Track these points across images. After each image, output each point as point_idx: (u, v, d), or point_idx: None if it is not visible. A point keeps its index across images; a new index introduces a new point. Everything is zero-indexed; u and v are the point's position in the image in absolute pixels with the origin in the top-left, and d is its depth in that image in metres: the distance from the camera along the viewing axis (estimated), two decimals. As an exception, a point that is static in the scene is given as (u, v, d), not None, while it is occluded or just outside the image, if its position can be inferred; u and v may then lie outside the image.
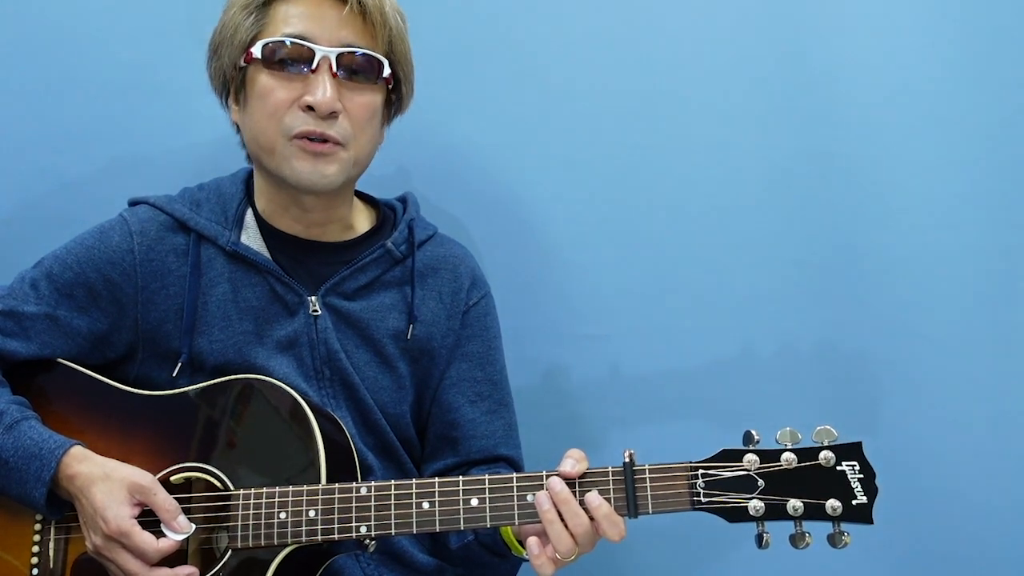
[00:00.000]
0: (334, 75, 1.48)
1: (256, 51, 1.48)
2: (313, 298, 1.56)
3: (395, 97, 1.59)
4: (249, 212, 1.60)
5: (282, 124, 1.48)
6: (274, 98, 1.48)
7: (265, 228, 1.59)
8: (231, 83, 1.55)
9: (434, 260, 1.65)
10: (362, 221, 1.66)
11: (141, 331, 1.54)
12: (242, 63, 1.51)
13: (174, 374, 1.53)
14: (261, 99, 1.49)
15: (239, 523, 1.39)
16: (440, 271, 1.65)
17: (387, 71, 1.53)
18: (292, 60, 1.48)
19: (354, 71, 1.50)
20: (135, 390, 1.52)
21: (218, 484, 1.43)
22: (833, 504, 1.30)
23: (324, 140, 1.48)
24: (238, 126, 1.59)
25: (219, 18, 1.55)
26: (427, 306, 1.63)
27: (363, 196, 1.70)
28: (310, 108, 1.47)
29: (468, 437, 1.64)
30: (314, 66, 1.47)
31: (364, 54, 1.50)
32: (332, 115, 1.48)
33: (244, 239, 1.57)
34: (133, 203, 1.61)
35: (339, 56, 1.48)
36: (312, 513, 1.38)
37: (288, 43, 1.47)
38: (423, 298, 1.63)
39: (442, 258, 1.66)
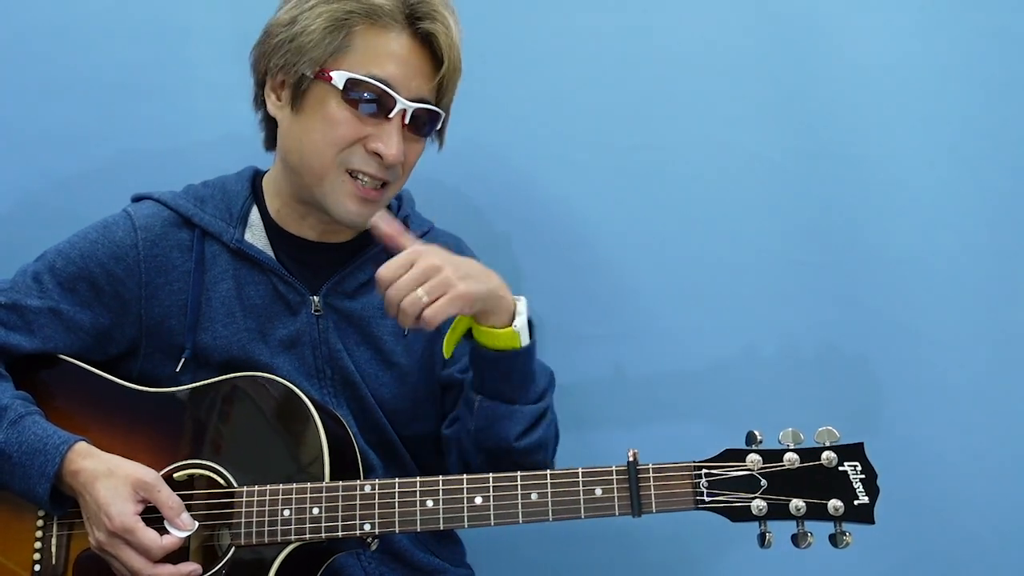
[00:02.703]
0: (404, 125, 1.48)
1: (338, 80, 1.45)
2: (315, 298, 1.57)
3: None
4: (254, 211, 1.60)
5: (341, 156, 1.48)
6: (341, 131, 1.47)
7: (271, 227, 1.59)
8: (285, 83, 1.50)
9: None
10: None
11: (144, 326, 1.54)
12: (311, 76, 1.47)
13: (177, 370, 1.53)
14: (326, 123, 1.47)
15: (242, 520, 1.39)
16: None
17: (440, 124, 1.55)
18: (371, 102, 1.46)
19: (420, 125, 1.51)
20: (138, 387, 1.52)
21: (221, 481, 1.43)
22: (835, 504, 1.31)
23: (377, 186, 1.50)
24: (272, 119, 1.56)
25: (287, 6, 1.49)
26: None
27: None
28: (377, 154, 1.47)
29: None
30: (391, 115, 1.46)
31: (432, 111, 1.51)
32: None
33: (248, 237, 1.57)
34: (137, 198, 1.61)
35: (414, 111, 1.47)
36: (316, 510, 1.38)
37: (375, 85, 1.45)
38: None
39: None
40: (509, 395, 1.49)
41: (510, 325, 1.45)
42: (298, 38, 1.47)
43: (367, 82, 1.45)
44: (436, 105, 1.52)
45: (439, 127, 1.56)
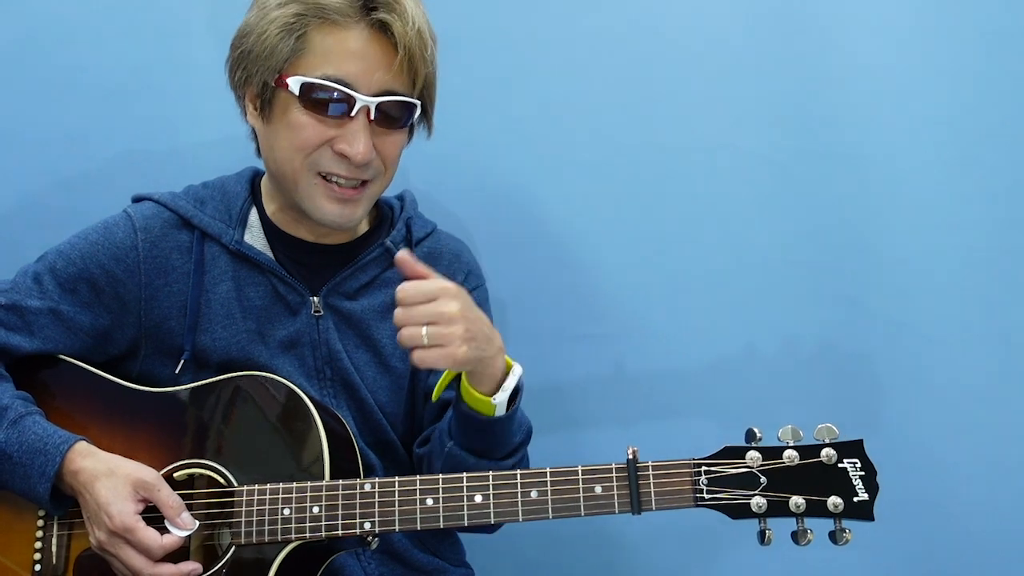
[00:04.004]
0: (370, 121, 1.45)
1: (293, 85, 1.43)
2: (315, 299, 1.57)
3: (419, 121, 1.57)
4: (253, 212, 1.60)
5: (310, 160, 1.47)
6: (305, 135, 1.45)
7: (269, 229, 1.59)
8: (255, 93, 1.50)
9: (431, 257, 1.66)
10: (363, 221, 1.66)
11: (144, 327, 1.54)
12: (272, 84, 1.46)
13: (177, 371, 1.53)
14: (291, 130, 1.46)
15: (242, 519, 1.40)
16: (436, 268, 1.63)
17: (418, 112, 1.52)
18: (330, 103, 1.44)
19: (390, 118, 1.48)
20: (139, 386, 1.52)
21: (221, 480, 1.43)
22: (835, 501, 1.31)
23: (354, 185, 1.48)
24: (253, 129, 1.57)
25: (248, 17, 1.49)
26: None
27: None
28: (344, 155, 1.46)
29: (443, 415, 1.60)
30: (352, 113, 1.44)
31: (401, 102, 1.47)
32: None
33: (247, 238, 1.58)
34: (137, 199, 1.61)
35: (379, 105, 1.45)
36: (316, 509, 1.38)
37: (328, 86, 1.43)
38: None
39: (439, 254, 1.67)
40: (480, 449, 1.47)
41: (494, 393, 1.42)
42: (256, 48, 1.46)
43: (322, 84, 1.43)
44: (410, 94, 1.49)
45: (419, 115, 1.53)
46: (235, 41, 1.51)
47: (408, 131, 1.56)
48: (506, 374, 1.43)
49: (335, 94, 1.43)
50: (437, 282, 1.37)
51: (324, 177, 1.48)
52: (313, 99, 1.44)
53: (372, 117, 1.45)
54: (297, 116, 1.45)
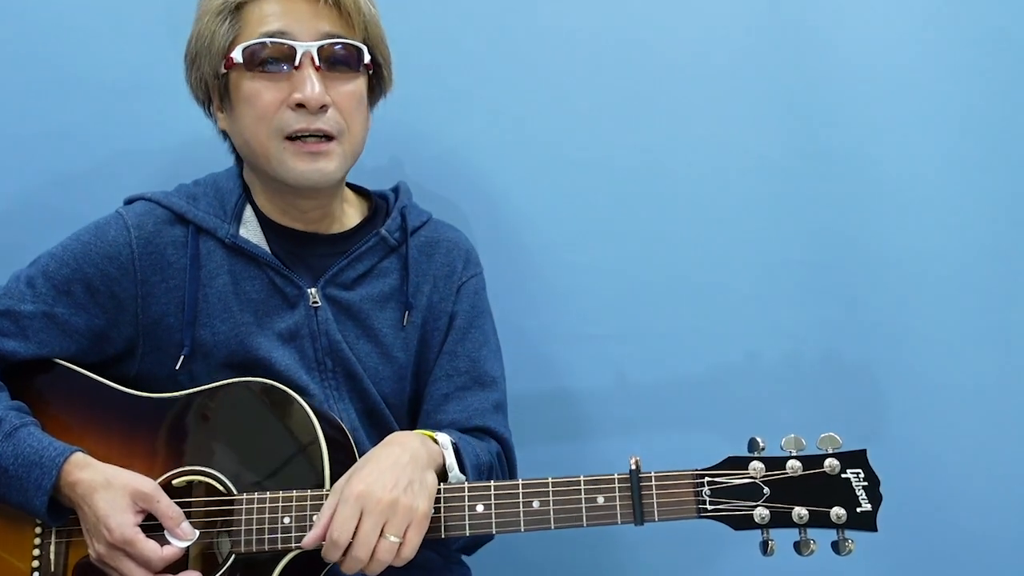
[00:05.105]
0: (317, 68, 1.47)
1: (237, 56, 1.47)
2: (313, 290, 1.56)
3: (376, 81, 1.59)
4: (248, 208, 1.59)
5: (273, 125, 1.48)
6: (262, 101, 1.48)
7: (264, 222, 1.58)
8: (213, 91, 1.54)
9: (428, 245, 1.65)
10: (355, 212, 1.66)
11: (141, 325, 1.53)
12: (223, 70, 1.50)
13: (176, 367, 1.52)
14: (248, 103, 1.49)
15: (242, 527, 1.39)
16: (434, 256, 1.65)
17: (367, 58, 1.52)
18: (274, 60, 1.47)
19: (336, 62, 1.50)
20: (137, 392, 1.51)
21: (220, 488, 1.42)
22: (838, 512, 1.31)
23: (319, 139, 1.48)
24: (225, 133, 1.59)
25: (191, 29, 1.54)
26: (422, 292, 1.63)
27: (354, 188, 1.70)
28: (300, 105, 1.47)
29: (435, 411, 1.62)
30: (297, 63, 1.47)
31: (344, 43, 1.50)
32: (322, 108, 1.47)
33: (243, 233, 1.56)
34: (129, 201, 1.59)
35: (320, 49, 1.47)
36: (316, 518, 1.36)
37: (268, 43, 1.47)
38: (418, 284, 1.63)
39: (436, 242, 1.66)
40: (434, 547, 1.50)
41: (444, 477, 1.42)
42: (200, 45, 1.52)
43: (261, 42, 1.47)
44: (351, 37, 1.50)
45: (366, 62, 1.53)
46: (185, 53, 1.56)
47: (366, 81, 1.55)
48: (441, 454, 1.44)
49: (276, 49, 1.47)
50: (339, 500, 1.33)
51: (290, 139, 1.49)
52: (258, 61, 1.47)
53: (317, 64, 1.47)
54: (250, 86, 1.48)
